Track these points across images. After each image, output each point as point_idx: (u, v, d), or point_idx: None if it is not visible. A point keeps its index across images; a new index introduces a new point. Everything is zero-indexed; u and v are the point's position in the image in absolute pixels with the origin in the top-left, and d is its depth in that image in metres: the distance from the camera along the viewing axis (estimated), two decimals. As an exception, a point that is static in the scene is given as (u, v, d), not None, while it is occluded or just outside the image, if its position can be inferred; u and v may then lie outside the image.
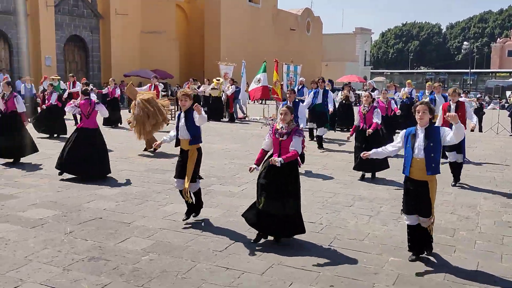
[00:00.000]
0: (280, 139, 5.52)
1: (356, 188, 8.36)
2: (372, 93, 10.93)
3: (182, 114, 6.23)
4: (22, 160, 9.93)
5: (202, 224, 6.24)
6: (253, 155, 11.30)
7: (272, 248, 5.43)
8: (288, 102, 9.52)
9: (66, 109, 9.31)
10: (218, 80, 19.47)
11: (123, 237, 5.71)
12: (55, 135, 13.61)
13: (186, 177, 6.12)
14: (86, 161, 8.41)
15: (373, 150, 5.58)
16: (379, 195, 7.90)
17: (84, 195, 7.55)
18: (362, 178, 9.00)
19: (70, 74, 18.67)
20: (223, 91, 19.37)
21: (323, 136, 12.80)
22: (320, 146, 12.38)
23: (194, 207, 6.37)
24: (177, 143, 6.32)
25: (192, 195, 6.25)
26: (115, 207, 6.94)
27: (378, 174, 9.13)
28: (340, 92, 19.33)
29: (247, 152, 11.83)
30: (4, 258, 5.01)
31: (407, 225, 5.21)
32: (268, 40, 40.39)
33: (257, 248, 5.47)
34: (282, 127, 5.57)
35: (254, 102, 29.81)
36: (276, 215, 5.41)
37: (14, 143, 9.61)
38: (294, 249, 5.44)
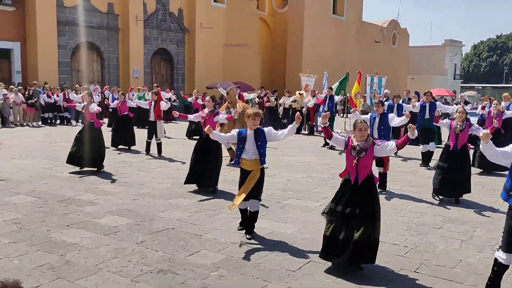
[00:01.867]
0: (357, 157, 4.94)
1: (445, 209, 7.60)
2: (466, 107, 10.04)
3: (250, 133, 5.79)
4: (106, 168, 10.16)
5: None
6: (332, 169, 10.82)
7: (351, 271, 4.94)
8: (376, 115, 9.02)
9: (190, 117, 9.15)
10: (301, 93, 19.13)
11: (193, 250, 5.50)
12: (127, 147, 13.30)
13: (241, 193, 5.73)
14: (204, 172, 8.30)
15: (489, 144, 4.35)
16: (472, 218, 7.11)
17: (158, 204, 7.50)
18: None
19: (155, 85, 19.27)
20: (303, 104, 19.00)
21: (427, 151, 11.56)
22: (427, 163, 11.40)
23: (248, 223, 6.02)
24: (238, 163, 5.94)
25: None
26: (188, 217, 6.80)
27: (469, 196, 8.25)
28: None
29: (327, 165, 11.35)
30: (76, 265, 4.98)
31: (498, 262, 4.35)
32: (351, 52, 39.57)
33: (333, 268, 5.01)
34: (358, 144, 5.03)
35: (336, 115, 29.16)
36: (344, 240, 4.86)
37: (95, 153, 9.84)
38: (374, 273, 4.91)
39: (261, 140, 5.76)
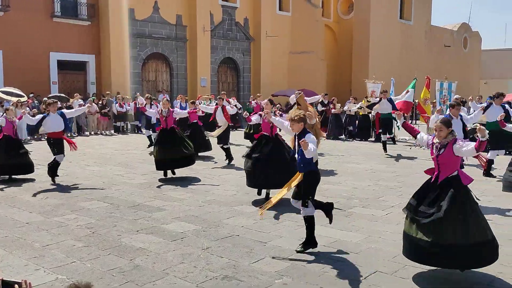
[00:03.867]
0: (437, 153, 4.87)
1: (525, 221, 7.10)
2: None
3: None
4: (172, 175, 10.44)
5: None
6: (400, 176, 10.46)
7: (426, 280, 4.72)
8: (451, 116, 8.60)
9: (252, 119, 9.05)
10: (369, 100, 18.71)
11: (258, 257, 5.49)
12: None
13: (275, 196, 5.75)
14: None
15: None
16: (557, 231, 6.58)
17: (224, 211, 7.58)
18: None
19: (223, 92, 19.61)
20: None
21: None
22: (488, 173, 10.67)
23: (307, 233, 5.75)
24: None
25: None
26: (252, 224, 6.81)
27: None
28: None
29: (394, 173, 10.99)
30: (144, 269, 5.12)
31: None
32: (419, 57, 38.34)
33: (401, 277, 4.82)
34: (437, 141, 4.93)
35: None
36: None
37: (177, 155, 10.09)
38: (451, 283, 4.67)
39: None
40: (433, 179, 4.93)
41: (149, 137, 14.76)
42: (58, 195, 8.61)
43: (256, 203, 7.93)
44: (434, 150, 4.95)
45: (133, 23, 24.91)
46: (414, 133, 5.51)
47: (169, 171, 10.30)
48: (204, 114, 13.68)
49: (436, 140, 4.97)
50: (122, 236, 6.21)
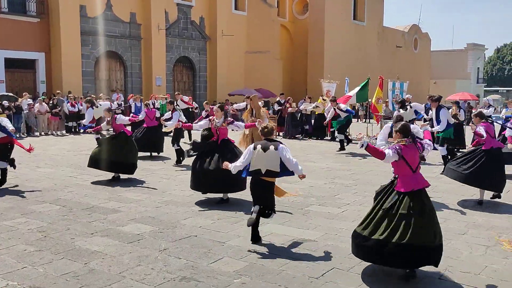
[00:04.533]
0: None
1: (470, 215, 7.43)
2: (486, 110, 9.79)
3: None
4: (129, 176, 10.23)
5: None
6: (355, 175, 10.71)
7: (376, 277, 4.85)
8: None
9: (195, 126, 8.84)
10: (324, 99, 19.00)
11: (216, 257, 5.48)
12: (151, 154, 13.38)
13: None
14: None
15: None
16: (497, 223, 6.92)
17: (181, 211, 7.52)
18: (480, 203, 8.01)
19: (176, 93, 19.42)
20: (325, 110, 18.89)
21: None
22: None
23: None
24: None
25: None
26: (210, 225, 6.79)
27: (494, 201, 8.06)
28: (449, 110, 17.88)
29: (350, 171, 11.23)
30: (99, 273, 5.00)
31: None
32: (372, 57, 39.37)
33: (357, 273, 4.94)
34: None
35: (358, 121, 28.95)
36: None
37: (123, 158, 9.86)
38: (397, 279, 4.82)
39: None
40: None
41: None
42: (7, 198, 8.27)
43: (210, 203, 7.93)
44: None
45: (84, 20, 24.26)
46: (380, 155, 5.01)
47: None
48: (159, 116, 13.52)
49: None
50: (76, 240, 6.05)
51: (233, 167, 6.10)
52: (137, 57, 27.13)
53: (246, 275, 4.99)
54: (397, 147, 4.94)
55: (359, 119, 30.15)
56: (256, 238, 5.96)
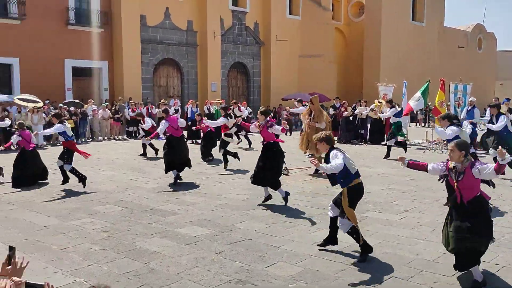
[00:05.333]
0: (456, 179, 4.82)
1: (541, 224, 7.04)
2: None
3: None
4: (185, 179, 10.51)
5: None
6: (414, 181, 10.42)
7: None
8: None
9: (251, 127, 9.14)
10: (380, 102, 18.65)
11: (271, 261, 5.52)
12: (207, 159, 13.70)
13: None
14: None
15: None
16: None
17: (236, 215, 7.62)
18: None
19: (233, 101, 19.60)
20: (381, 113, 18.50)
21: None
22: None
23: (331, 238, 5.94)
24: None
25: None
26: (265, 229, 6.84)
27: None
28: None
29: (408, 177, 10.94)
30: (159, 273, 5.18)
31: None
32: (432, 59, 38.13)
33: (418, 283, 4.81)
34: (455, 166, 4.86)
35: (416, 125, 28.16)
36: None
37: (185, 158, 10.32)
38: (462, 292, 4.66)
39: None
40: (458, 201, 4.88)
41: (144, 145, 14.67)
42: (74, 200, 8.72)
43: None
44: (453, 176, 4.86)
45: (144, 29, 25.13)
46: (423, 168, 5.22)
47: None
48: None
49: (452, 165, 4.88)
50: (136, 240, 6.29)
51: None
52: (193, 64, 27.76)
53: (301, 280, 4.99)
54: (445, 163, 4.99)
55: (417, 124, 29.31)
56: (332, 241, 5.92)
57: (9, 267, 3.00)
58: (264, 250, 5.90)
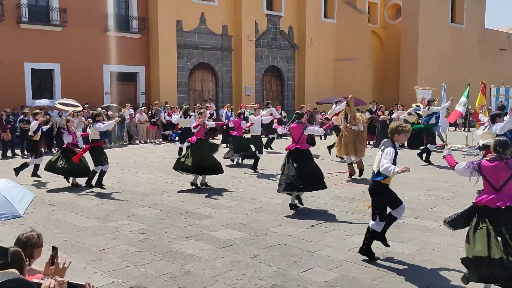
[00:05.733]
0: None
1: None
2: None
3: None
4: (220, 182, 10.57)
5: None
6: (453, 186, 10.15)
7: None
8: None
9: (279, 130, 9.18)
10: (418, 106, 18.27)
11: (306, 266, 5.48)
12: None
13: None
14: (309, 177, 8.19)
15: None
16: None
17: (271, 219, 7.60)
18: None
19: (267, 102, 19.66)
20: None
21: None
22: None
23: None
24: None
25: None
26: (300, 233, 6.79)
27: None
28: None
29: (446, 183, 10.67)
30: (195, 275, 5.21)
31: None
32: (472, 62, 37.10)
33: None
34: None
35: (456, 129, 27.45)
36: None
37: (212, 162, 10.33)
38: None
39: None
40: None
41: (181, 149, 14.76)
42: (112, 201, 8.91)
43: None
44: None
45: (180, 34, 25.49)
46: (453, 164, 5.17)
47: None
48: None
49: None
50: (172, 242, 6.36)
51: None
52: (228, 68, 27.95)
53: (338, 286, 4.93)
54: (475, 163, 4.77)
55: (457, 128, 28.58)
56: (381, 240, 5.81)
57: (52, 267, 3.08)
58: (299, 255, 5.86)
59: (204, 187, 10.17)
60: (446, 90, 18.99)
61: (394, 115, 18.81)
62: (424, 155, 13.97)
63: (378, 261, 5.62)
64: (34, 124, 11.52)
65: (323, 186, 8.26)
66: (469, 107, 17.32)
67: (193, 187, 10.12)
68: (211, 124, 11.95)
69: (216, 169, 10.28)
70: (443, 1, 35.37)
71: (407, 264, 5.53)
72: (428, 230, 6.97)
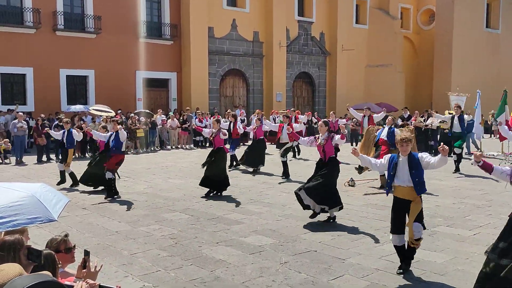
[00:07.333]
0: None
1: None
2: None
3: (403, 159, 5.38)
4: (250, 188, 10.59)
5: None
6: (488, 195, 9.88)
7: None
8: None
9: (302, 140, 8.80)
10: (451, 113, 17.87)
11: (336, 274, 5.42)
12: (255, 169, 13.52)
13: (409, 229, 5.39)
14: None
15: None
16: None
17: (301, 225, 7.57)
18: None
19: (292, 109, 19.52)
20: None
21: None
22: None
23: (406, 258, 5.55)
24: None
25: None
26: (330, 240, 6.73)
27: None
28: None
29: (481, 191, 10.39)
30: (224, 281, 5.23)
31: None
32: (509, 67, 36.11)
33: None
34: None
35: (491, 136, 26.71)
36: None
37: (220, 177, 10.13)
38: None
39: (414, 167, 5.31)
40: None
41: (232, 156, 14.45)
42: (143, 206, 9.04)
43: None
44: None
45: (212, 41, 25.77)
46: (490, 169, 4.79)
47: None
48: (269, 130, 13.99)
49: None
50: (202, 248, 6.40)
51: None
52: (259, 74, 28.06)
53: (368, 294, 4.86)
54: None
55: (492, 135, 27.81)
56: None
57: (84, 270, 3.15)
58: (329, 262, 5.80)
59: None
60: (481, 96, 18.50)
61: (427, 122, 18.49)
62: (458, 165, 13.61)
63: (410, 270, 5.51)
64: (56, 134, 12.00)
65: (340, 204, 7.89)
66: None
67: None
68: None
69: (218, 185, 10.10)
70: (477, 6, 34.56)
71: (440, 273, 5.41)
72: (462, 239, 6.80)
